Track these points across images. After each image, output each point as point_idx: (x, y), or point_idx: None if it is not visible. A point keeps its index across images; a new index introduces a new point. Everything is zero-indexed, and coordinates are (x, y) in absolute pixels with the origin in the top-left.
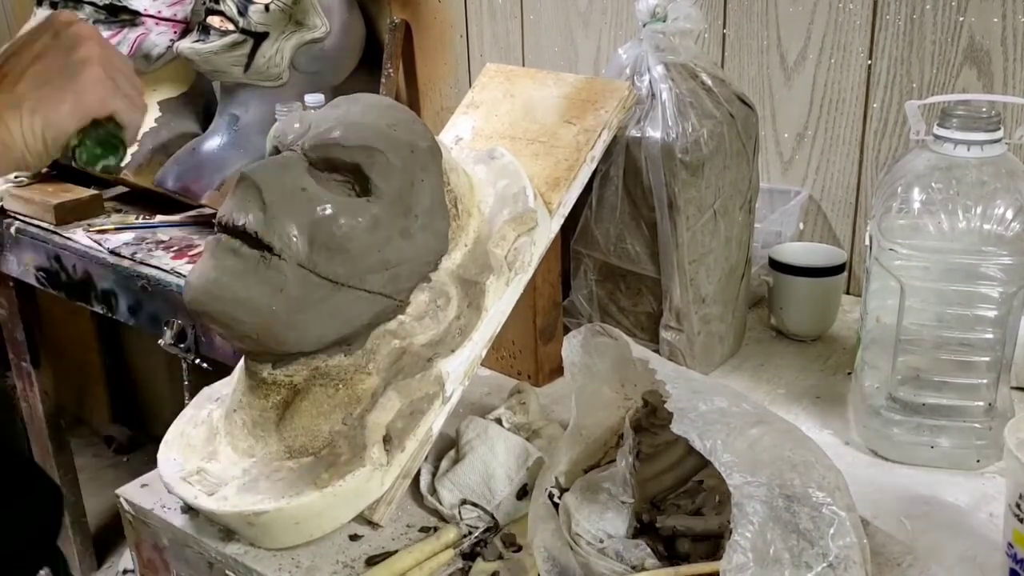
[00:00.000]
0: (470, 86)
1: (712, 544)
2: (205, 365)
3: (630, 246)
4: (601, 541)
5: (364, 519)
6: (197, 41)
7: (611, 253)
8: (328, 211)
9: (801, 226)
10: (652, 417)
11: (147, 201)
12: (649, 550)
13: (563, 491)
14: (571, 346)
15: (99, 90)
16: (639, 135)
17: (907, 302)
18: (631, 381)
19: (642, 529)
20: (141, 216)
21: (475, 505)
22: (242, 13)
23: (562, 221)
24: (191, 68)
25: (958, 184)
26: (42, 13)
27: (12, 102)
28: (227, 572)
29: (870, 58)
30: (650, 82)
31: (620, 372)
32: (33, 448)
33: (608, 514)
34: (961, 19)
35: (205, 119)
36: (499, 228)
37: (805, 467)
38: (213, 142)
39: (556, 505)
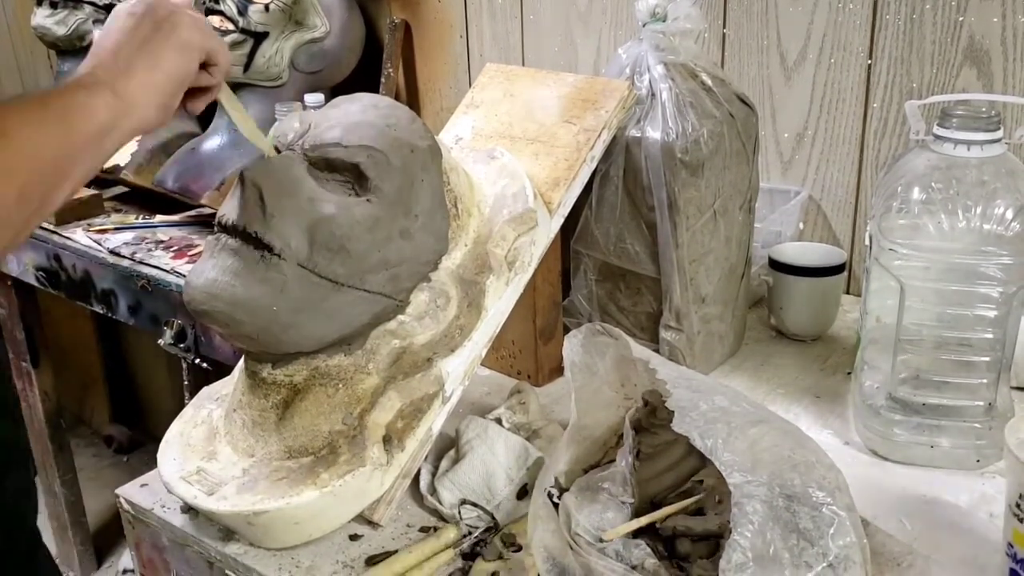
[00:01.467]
0: (470, 86)
1: (712, 544)
2: (205, 365)
3: (630, 246)
4: (600, 541)
5: (364, 519)
6: None
7: (611, 253)
8: (328, 211)
9: (801, 226)
10: (652, 417)
11: (147, 201)
12: (649, 550)
13: (563, 491)
14: (571, 346)
15: (197, 34)
16: (639, 135)
17: (907, 302)
18: (631, 381)
19: (642, 529)
20: (141, 216)
21: (475, 505)
22: (242, 13)
23: (562, 221)
24: None
25: (958, 184)
26: (42, 12)
27: (126, 69)
28: (227, 572)
29: (870, 58)
30: (650, 82)
31: (620, 372)
32: (33, 448)
33: (608, 514)
34: (961, 19)
35: (205, 119)
36: (499, 228)
37: (805, 467)
38: (213, 142)
39: (556, 505)
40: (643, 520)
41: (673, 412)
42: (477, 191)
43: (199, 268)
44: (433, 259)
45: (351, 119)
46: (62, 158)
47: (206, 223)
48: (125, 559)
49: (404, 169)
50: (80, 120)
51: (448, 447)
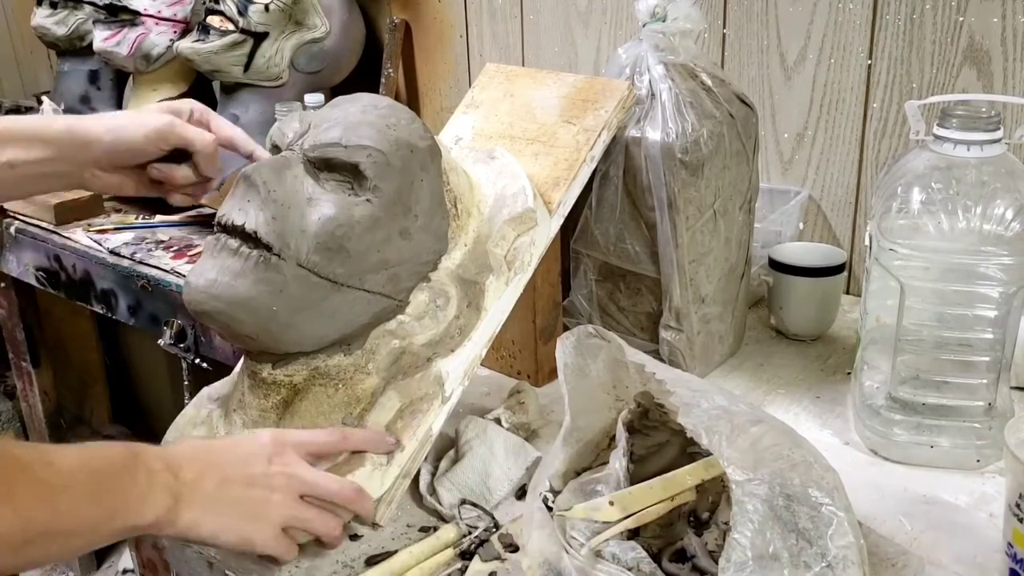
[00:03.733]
0: (470, 86)
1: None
2: (205, 365)
3: (630, 246)
4: (581, 548)
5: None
6: (197, 41)
7: (611, 253)
8: (327, 211)
9: (801, 226)
10: (645, 419)
11: (147, 201)
12: (644, 552)
13: (556, 494)
14: (564, 348)
15: (254, 537)
16: (639, 135)
17: (907, 302)
18: (623, 383)
19: (636, 531)
20: (141, 216)
21: (474, 505)
22: (242, 13)
23: (562, 221)
24: (191, 68)
25: (958, 184)
26: (42, 12)
27: (207, 501)
28: (227, 572)
29: (870, 58)
30: (650, 82)
31: (613, 374)
32: None
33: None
34: (961, 19)
35: None
36: (499, 228)
37: (804, 467)
38: None
39: (550, 508)
40: (628, 523)
41: (667, 414)
42: (477, 191)
43: (199, 268)
44: (433, 259)
45: (351, 119)
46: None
47: (206, 223)
48: (125, 559)
49: (404, 169)
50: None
51: (448, 447)
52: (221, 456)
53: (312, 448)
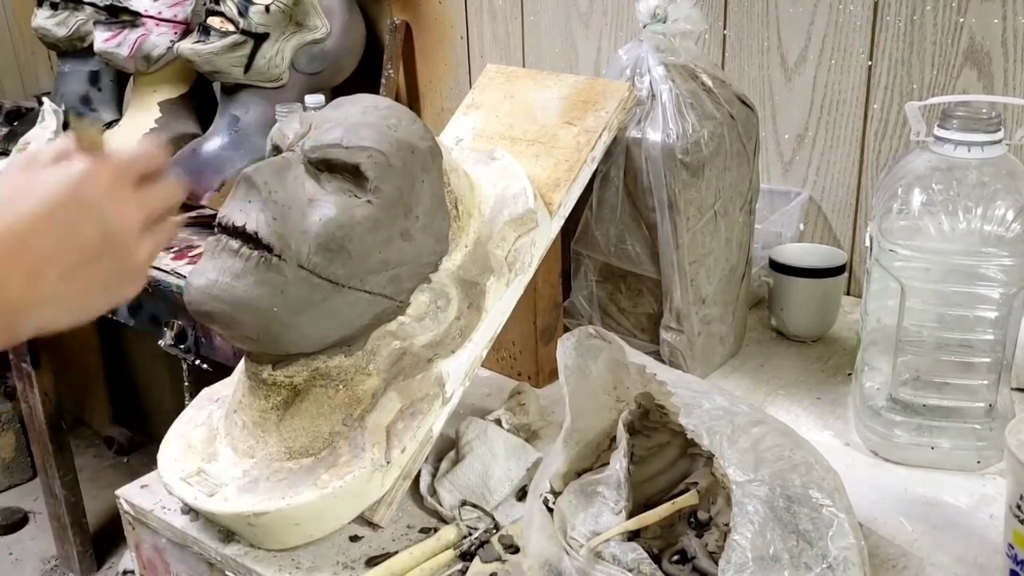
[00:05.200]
0: (470, 87)
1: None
2: (205, 366)
3: (630, 247)
4: (580, 548)
5: (364, 520)
6: (197, 42)
7: (611, 254)
8: (328, 212)
9: (801, 227)
10: (645, 420)
11: None
12: (644, 553)
13: (556, 495)
14: (564, 349)
15: (128, 294)
16: (639, 136)
17: (907, 303)
18: (624, 384)
19: (637, 532)
20: None
21: (475, 506)
22: (242, 14)
23: (562, 222)
24: (191, 69)
25: (958, 185)
26: (43, 13)
27: (40, 300)
28: (227, 572)
29: (870, 59)
30: (650, 83)
31: (613, 375)
32: (33, 449)
33: (603, 517)
34: (961, 20)
35: (205, 120)
36: (499, 229)
37: (805, 468)
38: (213, 143)
39: (550, 509)
40: (630, 524)
41: (667, 415)
42: (478, 192)
43: (200, 269)
44: (433, 260)
45: (351, 120)
46: None
47: (206, 224)
48: (125, 560)
49: (404, 170)
50: None
51: (448, 448)
52: (44, 242)
53: (135, 170)
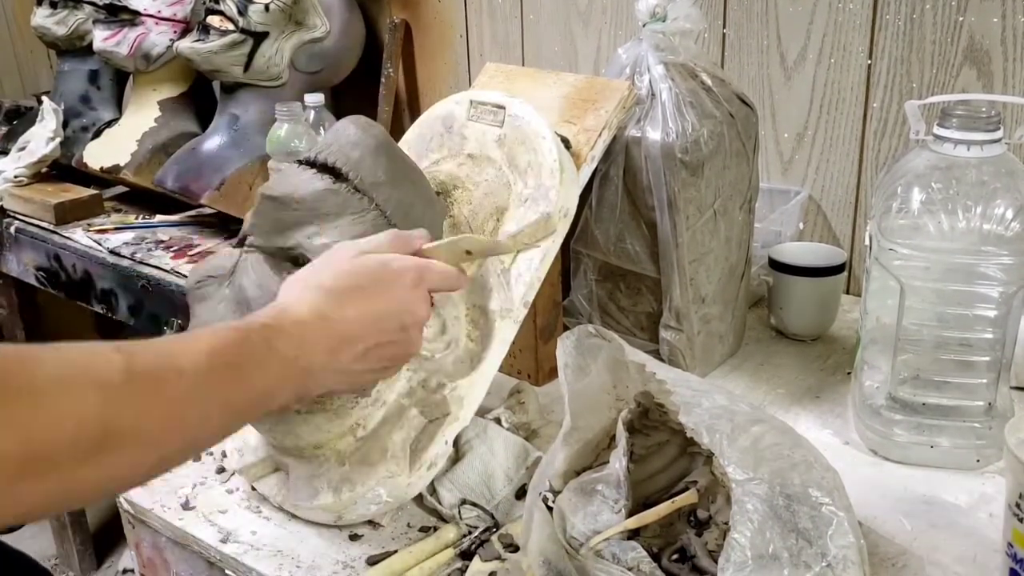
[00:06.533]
0: (470, 86)
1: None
2: None
3: (630, 246)
4: (582, 546)
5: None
6: (197, 41)
7: (611, 253)
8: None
9: (801, 226)
10: (645, 418)
11: (147, 201)
12: (644, 551)
13: (556, 494)
14: (564, 348)
15: (392, 375)
16: (639, 135)
17: (907, 302)
18: (624, 383)
19: (637, 530)
20: (141, 216)
21: (475, 505)
22: (242, 13)
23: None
24: (191, 68)
25: (958, 184)
26: (42, 12)
27: (334, 370)
28: (227, 571)
29: (870, 58)
30: (650, 82)
31: (613, 374)
32: None
33: (602, 516)
34: (961, 19)
35: (205, 119)
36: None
37: (805, 466)
38: (213, 142)
39: (550, 508)
40: (629, 523)
41: (667, 414)
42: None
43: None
44: None
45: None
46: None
47: (206, 223)
48: (125, 559)
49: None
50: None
51: None
52: (353, 322)
53: (439, 280)
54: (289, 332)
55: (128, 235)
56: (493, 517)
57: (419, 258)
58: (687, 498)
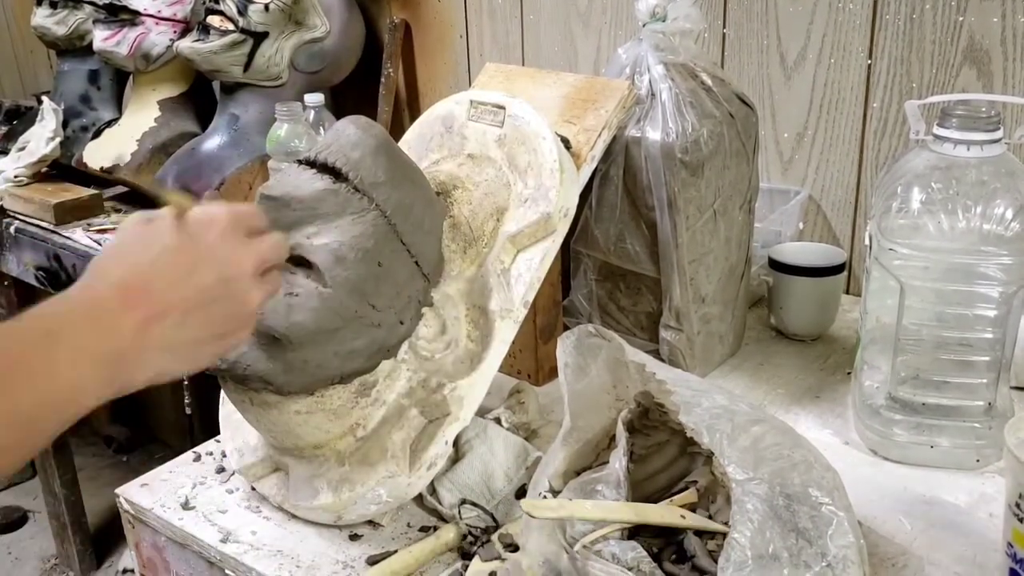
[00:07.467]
0: (470, 85)
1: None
2: None
3: (630, 246)
4: (579, 547)
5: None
6: (197, 41)
7: (611, 253)
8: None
9: (801, 226)
10: (644, 418)
11: (147, 201)
12: (644, 551)
13: (556, 494)
14: (564, 347)
15: (238, 341)
16: (639, 135)
17: (907, 302)
18: (624, 382)
19: (636, 530)
20: None
21: (475, 505)
22: (242, 13)
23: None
24: (191, 68)
25: (958, 184)
26: (42, 12)
27: (153, 347)
28: (227, 571)
29: (870, 58)
30: (650, 82)
31: (613, 373)
32: None
33: None
34: (961, 19)
35: (205, 119)
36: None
37: (805, 466)
38: (213, 142)
39: None
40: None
41: (667, 414)
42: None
43: None
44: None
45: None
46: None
47: None
48: (125, 559)
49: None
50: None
51: None
52: (162, 287)
53: (246, 220)
54: (80, 317)
55: None
56: (493, 517)
57: (223, 206)
58: (687, 498)
